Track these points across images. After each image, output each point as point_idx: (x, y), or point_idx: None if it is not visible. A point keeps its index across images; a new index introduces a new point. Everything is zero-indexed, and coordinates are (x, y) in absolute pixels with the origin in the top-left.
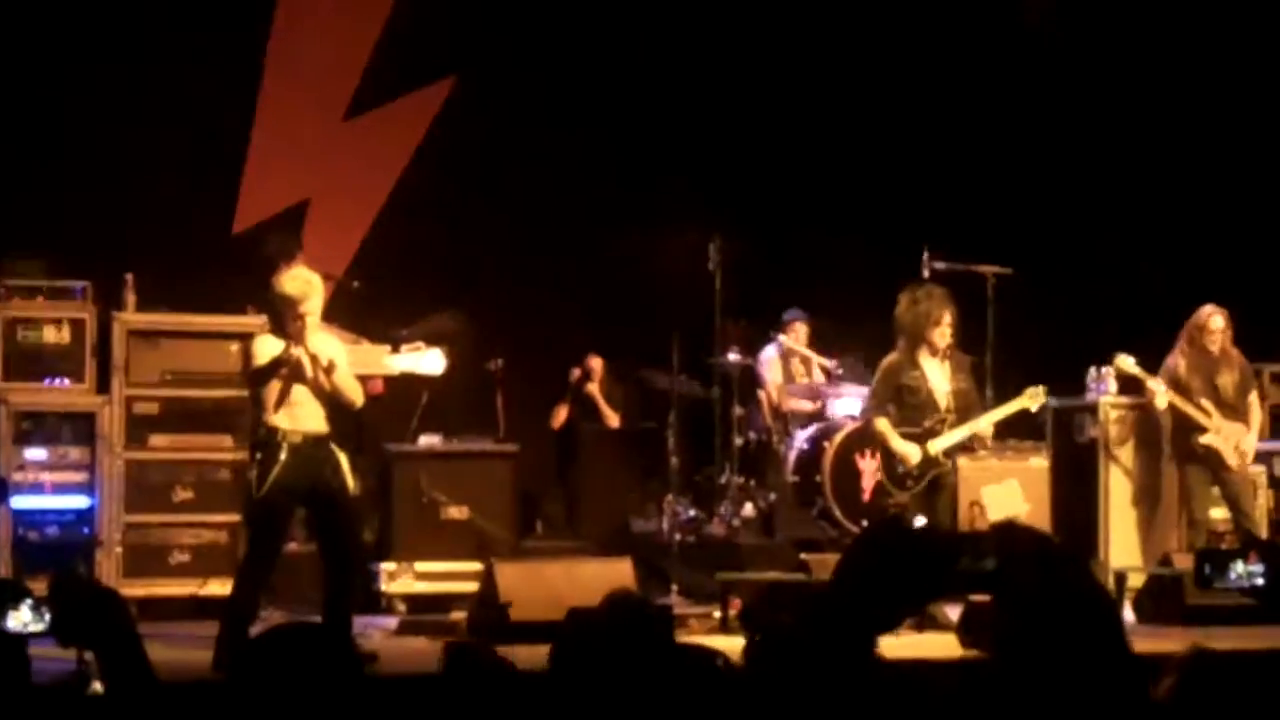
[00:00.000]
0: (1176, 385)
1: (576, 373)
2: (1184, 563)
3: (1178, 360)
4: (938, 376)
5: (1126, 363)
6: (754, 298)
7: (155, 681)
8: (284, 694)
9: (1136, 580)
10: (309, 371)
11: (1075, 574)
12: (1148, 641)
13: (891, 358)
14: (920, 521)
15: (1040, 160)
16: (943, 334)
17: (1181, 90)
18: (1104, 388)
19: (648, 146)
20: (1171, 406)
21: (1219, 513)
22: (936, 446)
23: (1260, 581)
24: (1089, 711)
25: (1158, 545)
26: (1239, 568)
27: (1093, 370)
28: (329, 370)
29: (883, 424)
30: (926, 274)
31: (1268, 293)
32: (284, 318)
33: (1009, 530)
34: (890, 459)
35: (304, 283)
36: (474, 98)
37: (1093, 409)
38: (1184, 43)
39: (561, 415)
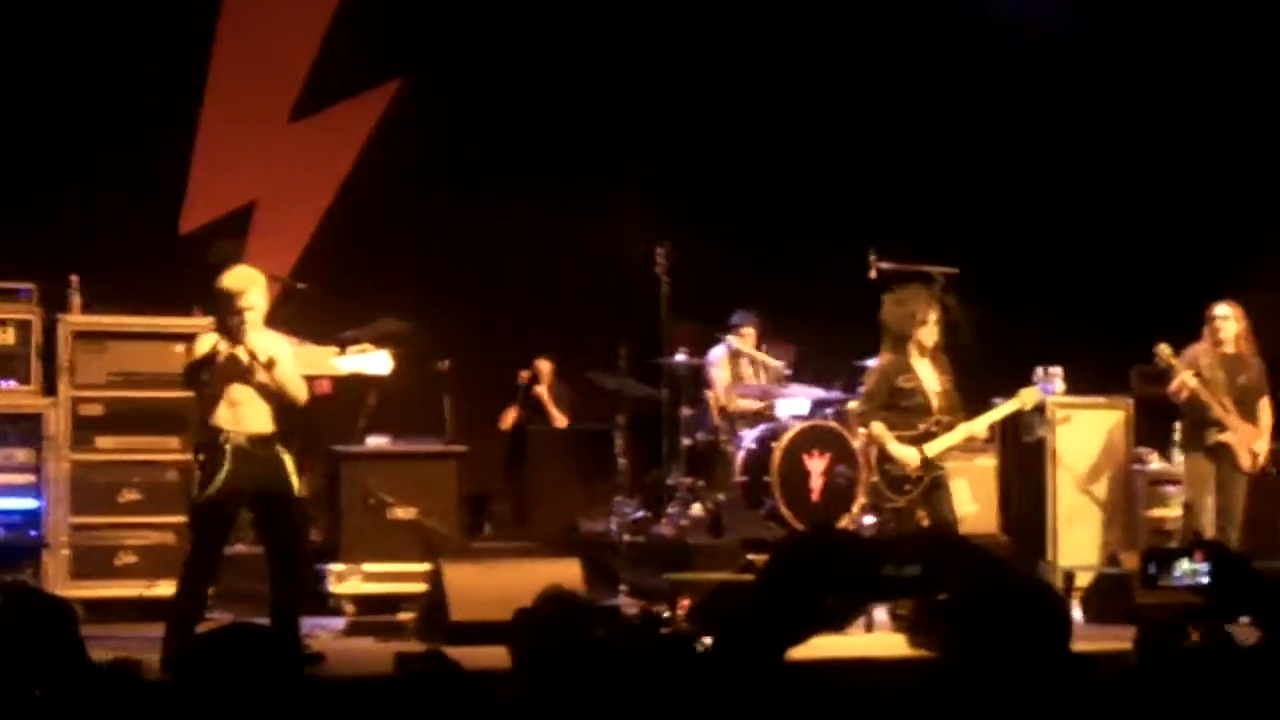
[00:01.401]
0: (1200, 379)
1: (525, 375)
2: (1132, 562)
3: (1201, 354)
4: (930, 378)
5: (1166, 352)
6: (701, 300)
7: (102, 684)
8: (230, 695)
9: (1085, 579)
10: (248, 366)
11: (1000, 577)
12: (1095, 640)
13: (885, 359)
14: (924, 522)
15: (987, 160)
16: (930, 333)
17: (1127, 89)
18: (1051, 387)
19: (595, 149)
20: (1192, 398)
21: (1166, 511)
22: (934, 449)
23: (1205, 580)
24: (1029, 707)
25: (1108, 544)
26: (1184, 565)
27: (1040, 370)
28: (269, 366)
29: (880, 428)
30: (874, 275)
31: (1220, 293)
32: (224, 314)
33: (933, 536)
34: (886, 463)
35: (242, 277)
36: (420, 100)
37: (1041, 408)
38: (1125, 40)
39: (510, 417)
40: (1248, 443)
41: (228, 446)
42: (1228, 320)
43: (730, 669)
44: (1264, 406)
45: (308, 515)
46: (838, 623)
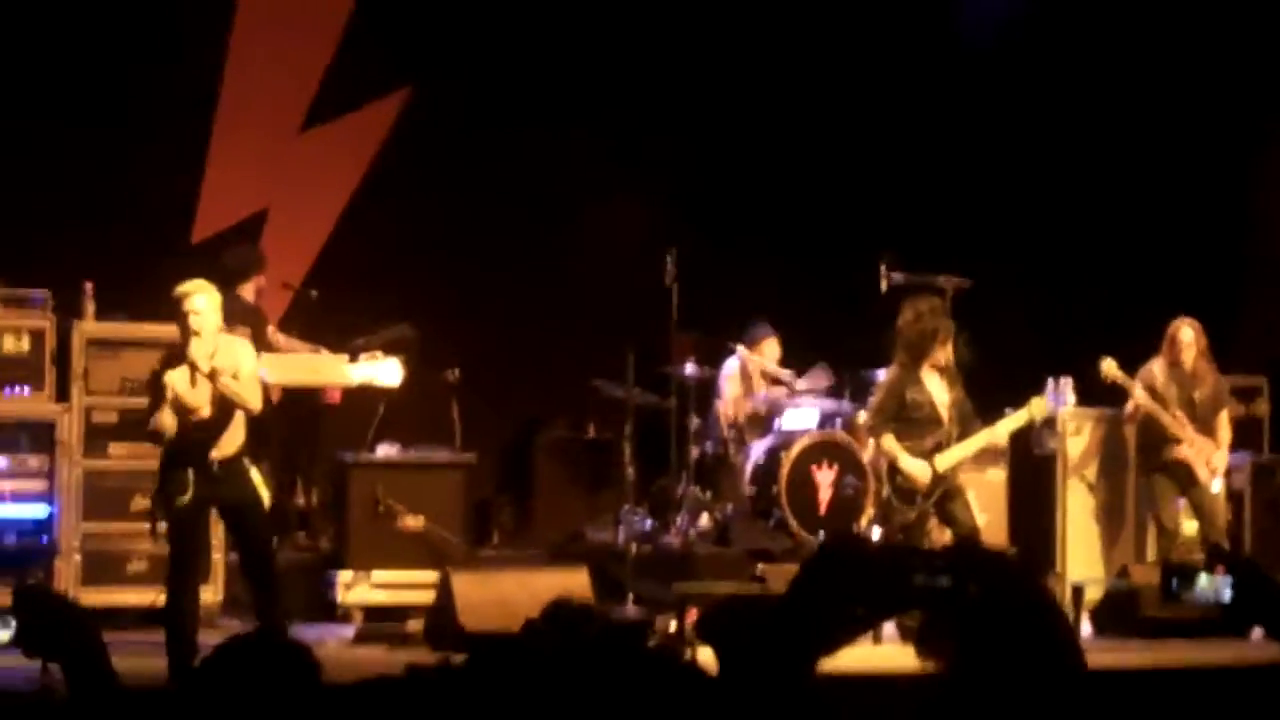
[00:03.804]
0: (1154, 395)
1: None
2: (1141, 575)
3: (1155, 371)
4: (939, 390)
5: (1111, 366)
6: (710, 310)
7: (119, 691)
8: (248, 701)
9: (1094, 593)
10: (193, 378)
11: (1030, 591)
12: (1105, 655)
13: (894, 373)
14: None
15: (1000, 171)
16: (949, 351)
17: (1138, 100)
18: (1063, 400)
19: (606, 157)
20: (1146, 415)
21: (1190, 526)
22: (944, 463)
23: (1227, 595)
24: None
25: (1117, 558)
26: (1204, 581)
27: (1051, 382)
28: (211, 377)
29: (890, 441)
30: (885, 286)
31: (1224, 305)
32: (177, 322)
33: (965, 547)
34: (897, 476)
35: (191, 284)
36: (430, 109)
37: (1051, 421)
38: (1138, 54)
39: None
40: (1205, 456)
41: (190, 470)
42: (1190, 344)
43: (748, 682)
44: (1222, 421)
45: (272, 523)
46: (865, 632)
